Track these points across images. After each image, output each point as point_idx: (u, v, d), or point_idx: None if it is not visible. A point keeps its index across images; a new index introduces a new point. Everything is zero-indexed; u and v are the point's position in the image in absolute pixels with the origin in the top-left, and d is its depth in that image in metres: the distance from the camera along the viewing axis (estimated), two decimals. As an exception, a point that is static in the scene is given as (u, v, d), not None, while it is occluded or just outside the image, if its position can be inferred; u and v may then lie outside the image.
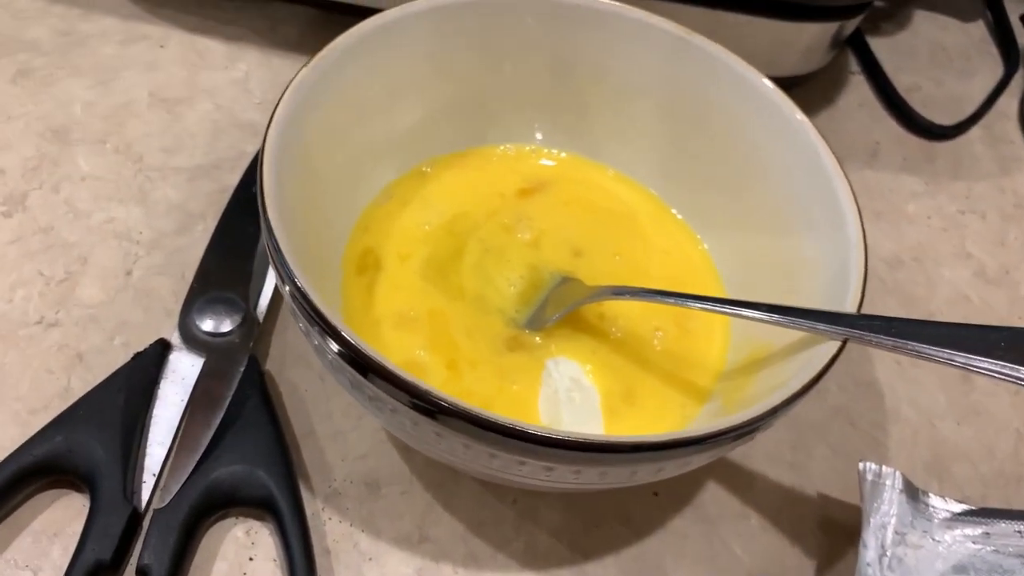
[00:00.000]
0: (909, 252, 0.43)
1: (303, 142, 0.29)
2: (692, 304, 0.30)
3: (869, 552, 0.30)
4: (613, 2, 0.34)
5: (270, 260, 0.26)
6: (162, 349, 0.32)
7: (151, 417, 0.31)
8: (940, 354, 0.24)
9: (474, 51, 0.34)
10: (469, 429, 0.23)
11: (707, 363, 0.33)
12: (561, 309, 0.32)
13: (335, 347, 0.24)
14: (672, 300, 0.30)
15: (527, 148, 0.37)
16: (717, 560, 0.32)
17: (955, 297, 0.42)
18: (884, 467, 0.31)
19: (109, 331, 0.34)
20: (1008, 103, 0.51)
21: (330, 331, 0.24)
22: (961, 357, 0.24)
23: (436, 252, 0.34)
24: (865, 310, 0.40)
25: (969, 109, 0.50)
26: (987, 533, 0.31)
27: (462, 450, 0.24)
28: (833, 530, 0.34)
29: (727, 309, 0.29)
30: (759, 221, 0.34)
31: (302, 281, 0.25)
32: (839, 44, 0.46)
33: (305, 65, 0.30)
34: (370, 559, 0.30)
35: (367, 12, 0.32)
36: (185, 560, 0.28)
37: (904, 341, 0.25)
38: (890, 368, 0.39)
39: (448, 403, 0.23)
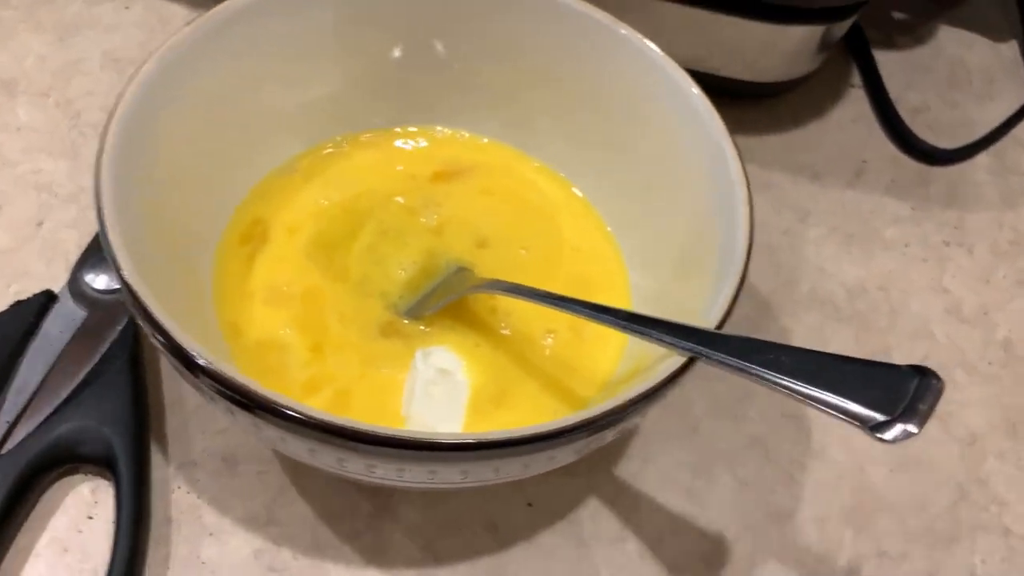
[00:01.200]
0: (876, 280, 0.40)
1: (177, 105, 0.29)
2: (541, 302, 0.28)
3: None
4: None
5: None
6: (46, 300, 0.32)
7: (19, 366, 0.30)
8: (781, 382, 0.22)
9: (386, 27, 0.33)
10: (264, 416, 0.22)
11: (595, 372, 0.31)
12: (444, 298, 0.31)
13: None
14: (532, 298, 0.28)
15: (450, 132, 0.36)
16: (581, 583, 0.30)
17: (919, 332, 0.38)
18: None
19: (7, 278, 0.34)
20: (1028, 131, 0.47)
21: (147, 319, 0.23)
22: (805, 389, 0.21)
23: (328, 229, 0.33)
24: (811, 338, 0.38)
25: (980, 135, 0.46)
26: None
27: (254, 431, 0.23)
28: (719, 569, 0.31)
29: (586, 312, 0.26)
30: (674, 228, 0.32)
31: (127, 271, 0.24)
32: (828, 48, 0.43)
33: (187, 24, 0.29)
34: (211, 534, 0.29)
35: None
36: (19, 510, 0.28)
37: (746, 364, 0.22)
38: (826, 402, 0.36)
39: (232, 382, 0.22)
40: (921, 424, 0.20)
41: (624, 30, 0.32)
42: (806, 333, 0.38)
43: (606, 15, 0.32)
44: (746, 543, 0.32)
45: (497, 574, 0.30)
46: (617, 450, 0.33)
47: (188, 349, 0.23)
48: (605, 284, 0.33)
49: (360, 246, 0.32)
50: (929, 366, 0.22)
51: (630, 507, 0.32)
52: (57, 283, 0.33)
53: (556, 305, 0.27)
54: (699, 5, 0.40)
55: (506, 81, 0.34)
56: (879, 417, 0.20)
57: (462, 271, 0.32)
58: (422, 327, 0.31)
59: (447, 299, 0.30)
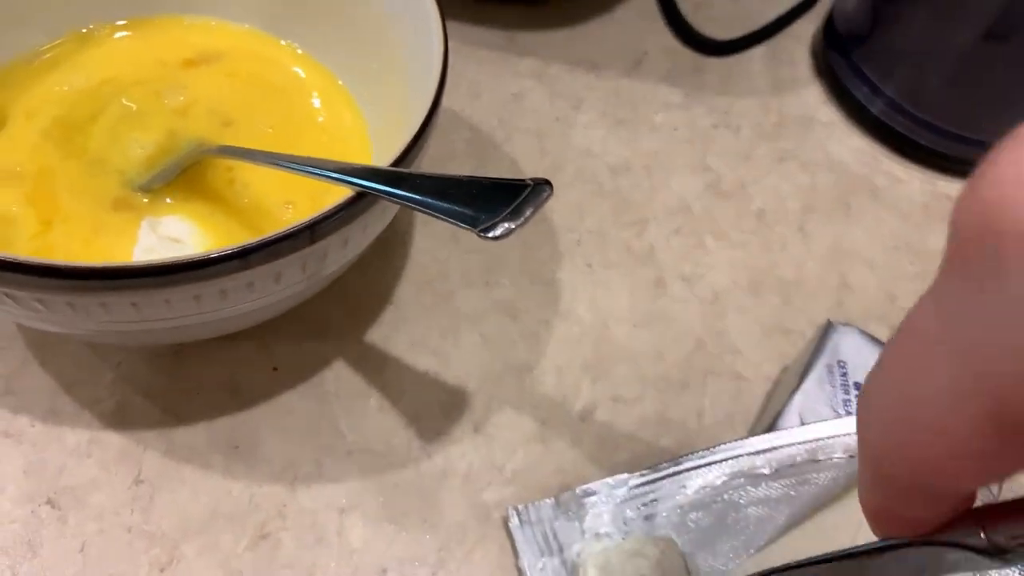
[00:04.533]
0: (641, 160, 0.42)
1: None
2: (268, 163, 0.29)
3: None
4: None
5: None
6: None
7: None
8: (415, 198, 0.23)
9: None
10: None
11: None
12: (174, 166, 0.32)
13: None
14: (260, 160, 0.29)
15: (201, 20, 0.37)
16: (319, 435, 0.32)
17: (676, 206, 0.41)
18: (529, 505, 0.29)
19: None
20: (804, 28, 0.49)
21: None
22: (431, 201, 0.23)
23: (70, 113, 0.33)
24: (569, 213, 0.39)
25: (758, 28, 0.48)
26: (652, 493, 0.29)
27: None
28: (457, 416, 0.33)
29: (280, 163, 0.28)
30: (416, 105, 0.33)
31: None
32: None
33: None
34: (-54, 405, 0.30)
35: None
36: None
37: (393, 190, 0.24)
38: (579, 269, 0.38)
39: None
40: (519, 221, 0.21)
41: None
42: (565, 209, 0.39)
43: None
44: (485, 393, 0.34)
45: (233, 429, 0.31)
46: (367, 318, 0.35)
47: None
48: (347, 157, 0.34)
49: (100, 127, 0.33)
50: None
51: (376, 368, 0.34)
52: None
53: (282, 165, 0.28)
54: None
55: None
56: (487, 218, 0.22)
57: (201, 147, 0.33)
58: (162, 199, 0.32)
59: (175, 164, 0.31)
